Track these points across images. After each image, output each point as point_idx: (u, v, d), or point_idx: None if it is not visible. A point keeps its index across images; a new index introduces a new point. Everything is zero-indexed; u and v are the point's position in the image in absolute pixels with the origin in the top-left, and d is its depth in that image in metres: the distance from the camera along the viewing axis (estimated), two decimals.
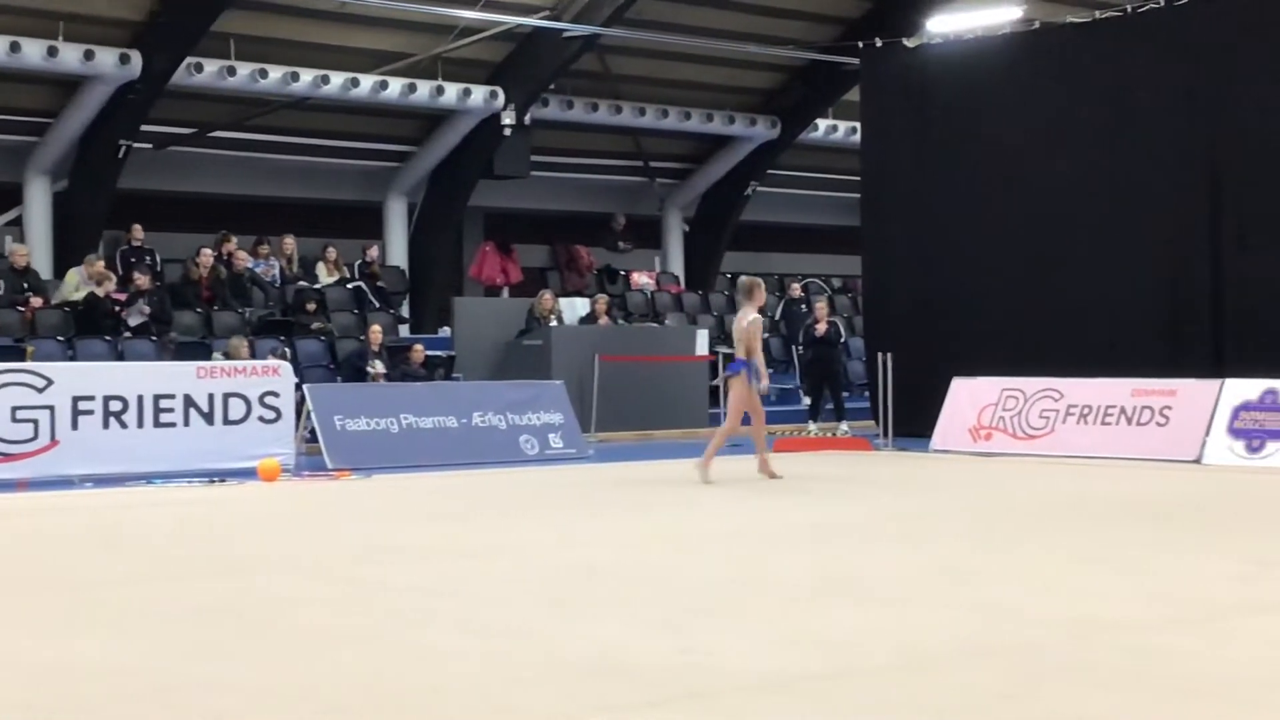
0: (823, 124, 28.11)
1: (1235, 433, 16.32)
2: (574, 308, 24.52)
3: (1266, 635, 6.80)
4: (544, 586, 8.45)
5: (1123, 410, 17.31)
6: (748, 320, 14.83)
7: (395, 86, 23.34)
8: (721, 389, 15.58)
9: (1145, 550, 9.62)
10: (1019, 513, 12.10)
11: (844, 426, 22.01)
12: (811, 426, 22.25)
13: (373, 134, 25.14)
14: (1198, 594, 7.89)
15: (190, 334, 21.02)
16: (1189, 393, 16.91)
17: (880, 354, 19.71)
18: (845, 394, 23.60)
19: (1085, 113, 19.47)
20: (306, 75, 22.60)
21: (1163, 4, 19.07)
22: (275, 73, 22.36)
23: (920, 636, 6.81)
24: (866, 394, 22.79)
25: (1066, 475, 15.36)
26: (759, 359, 14.83)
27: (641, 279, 27.76)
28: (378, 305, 23.79)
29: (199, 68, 21.76)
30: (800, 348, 23.96)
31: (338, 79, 22.87)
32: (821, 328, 22.49)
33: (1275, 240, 17.79)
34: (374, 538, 10.88)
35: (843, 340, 23.36)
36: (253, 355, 18.89)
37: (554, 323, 22.80)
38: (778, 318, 26.72)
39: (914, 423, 19.20)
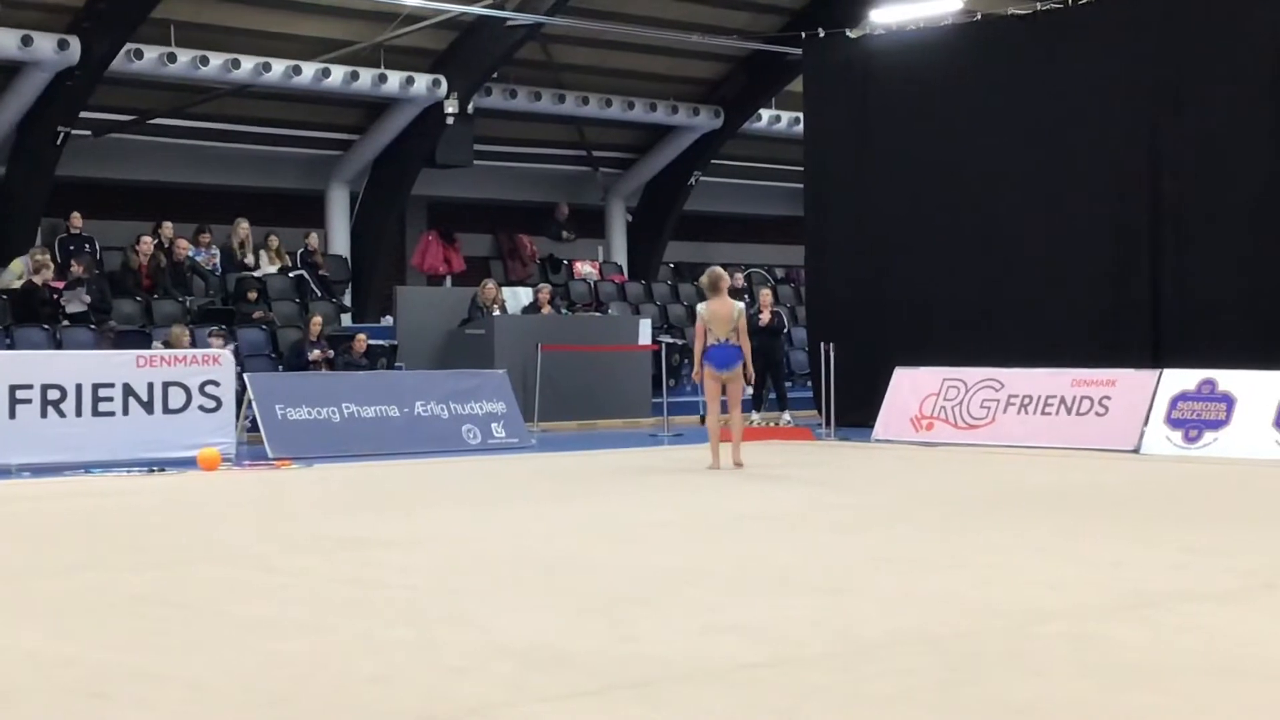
0: (766, 114, 28.16)
1: (1173, 423, 16.46)
2: (517, 297, 24.50)
3: (1199, 623, 6.86)
4: (484, 576, 8.45)
5: (1063, 400, 17.43)
6: (738, 309, 15.08)
7: (337, 74, 23.23)
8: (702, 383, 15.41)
9: (1084, 539, 9.70)
10: (959, 502, 12.16)
11: (786, 416, 22.07)
12: (754, 416, 22.29)
13: (315, 122, 25.03)
14: (1134, 583, 7.95)
15: (130, 323, 20.88)
16: (1128, 383, 17.04)
17: (823, 344, 19.78)
18: (788, 384, 23.64)
19: (1027, 104, 19.58)
20: (248, 62, 22.46)
21: None
22: (216, 60, 22.21)
23: (859, 625, 6.84)
24: (809, 384, 22.86)
25: (1007, 465, 15.46)
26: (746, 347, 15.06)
27: (584, 268, 27.76)
28: (320, 294, 23.67)
29: (139, 54, 21.59)
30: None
31: (279, 66, 22.74)
32: (765, 317, 22.51)
33: (1214, 231, 17.94)
34: (314, 528, 10.84)
35: (785, 330, 23.41)
36: (193, 344, 18.78)
37: (497, 312, 22.76)
38: None
39: (856, 412, 19.29)
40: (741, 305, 15.29)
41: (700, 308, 15.15)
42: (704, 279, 15.52)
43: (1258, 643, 6.40)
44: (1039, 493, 12.97)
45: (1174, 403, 16.55)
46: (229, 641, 6.65)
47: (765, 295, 23.13)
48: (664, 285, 28.39)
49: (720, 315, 14.93)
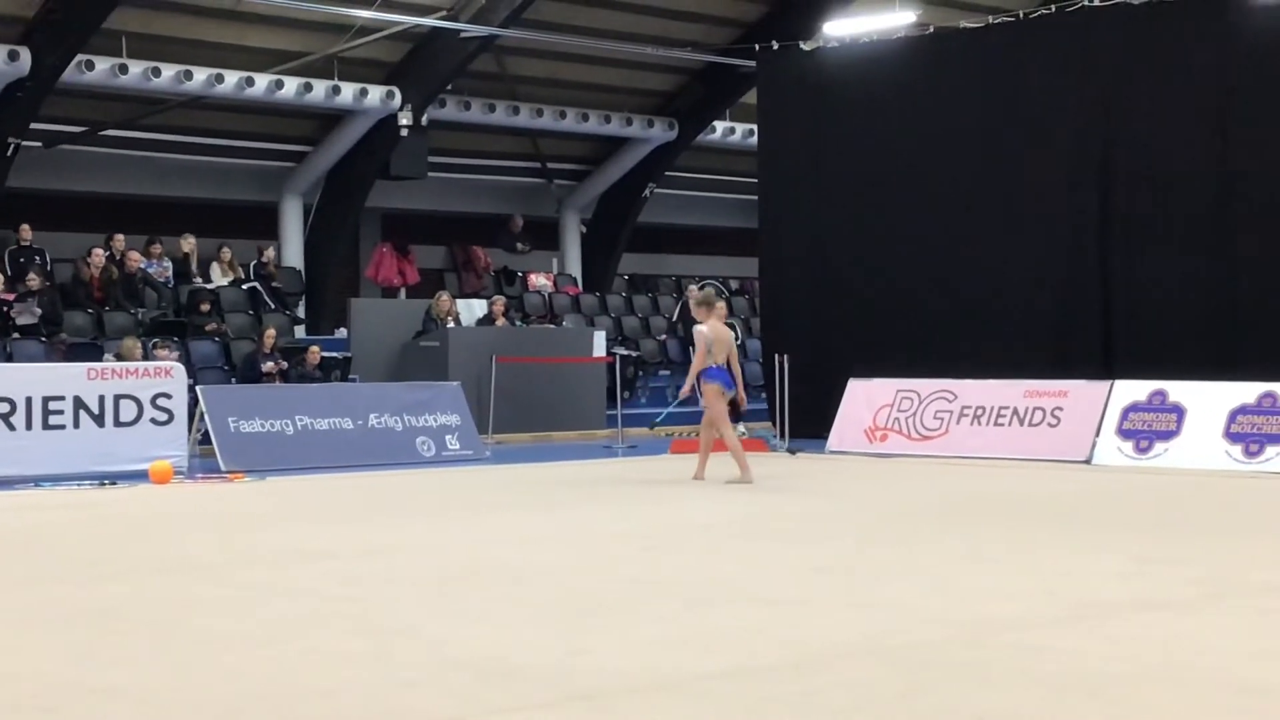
0: (720, 126, 28.20)
1: (1124, 433, 16.56)
2: (471, 309, 24.45)
3: (1150, 632, 6.91)
4: (437, 588, 8.43)
5: (1015, 411, 17.51)
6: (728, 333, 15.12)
7: (291, 86, 23.15)
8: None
9: (1035, 550, 9.74)
10: (912, 513, 12.20)
11: (740, 428, 22.07)
12: (740, 427, 22.30)
13: (268, 134, 24.93)
14: (1084, 592, 8.00)
15: (81, 335, 20.74)
16: (1079, 394, 17.14)
17: (777, 356, 19.83)
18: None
19: (979, 117, 19.68)
20: (200, 74, 22.36)
21: (1054, 10, 19.30)
22: (168, 71, 22.10)
23: (812, 636, 6.85)
24: (764, 395, 22.89)
25: (960, 476, 15.52)
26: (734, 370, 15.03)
27: (539, 280, 27.73)
28: (273, 306, 23.58)
29: (90, 65, 21.46)
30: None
31: (232, 78, 22.65)
32: None
33: (1163, 243, 18.06)
34: (267, 540, 10.80)
35: (739, 342, 23.40)
36: (145, 356, 18.67)
37: (451, 324, 22.72)
38: (675, 318, 26.80)
39: (811, 424, 19.33)
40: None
41: (703, 329, 14.95)
42: (699, 297, 15.45)
43: (1208, 651, 6.45)
44: (991, 503, 13.03)
45: (1125, 413, 16.65)
46: (180, 655, 6.61)
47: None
48: (618, 297, 28.38)
49: (722, 339, 14.93)
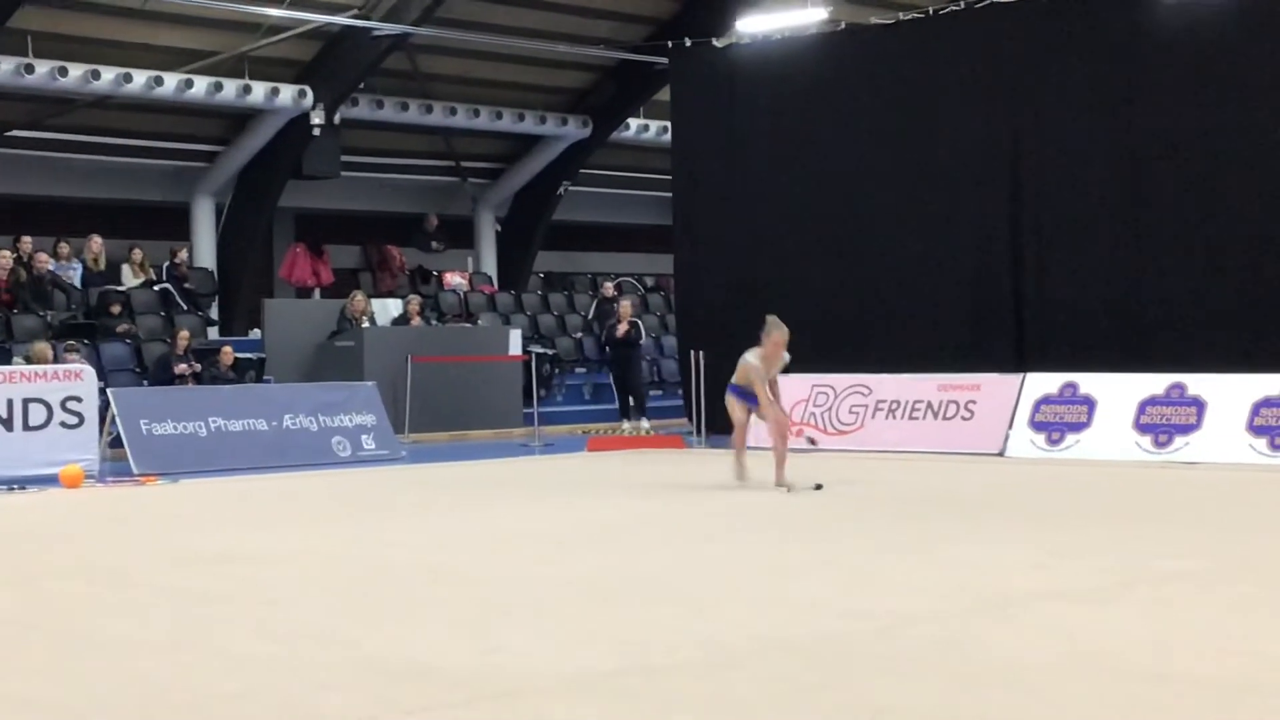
0: (634, 123, 28.21)
1: (1037, 425, 16.71)
2: (386, 309, 24.33)
3: (1060, 622, 6.96)
4: (349, 589, 8.37)
5: (929, 405, 17.64)
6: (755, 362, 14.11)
7: (200, 85, 22.94)
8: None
9: (947, 542, 9.80)
10: (826, 508, 12.24)
11: (645, 424, 22.23)
12: (625, 425, 22.38)
13: (178, 133, 24.71)
14: (995, 584, 8.05)
15: None
16: (992, 387, 17.28)
17: (693, 352, 19.85)
18: (659, 393, 23.76)
19: (891, 112, 19.76)
20: (108, 73, 22.11)
21: (963, 6, 19.43)
22: (75, 70, 21.85)
23: (725, 632, 6.85)
24: (680, 392, 22.92)
25: (875, 469, 15.60)
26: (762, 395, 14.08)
27: (454, 279, 27.63)
28: (185, 307, 23.37)
29: None
30: (605, 347, 24.05)
31: (141, 77, 22.41)
32: (622, 328, 22.63)
33: (1073, 237, 18.18)
34: (178, 544, 10.68)
35: (642, 340, 23.45)
36: (55, 359, 18.45)
37: (366, 324, 22.62)
38: (591, 316, 26.80)
39: (728, 420, 19.28)
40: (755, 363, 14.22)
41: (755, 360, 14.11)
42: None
43: (1116, 640, 6.50)
44: (906, 497, 13.10)
45: (1037, 406, 16.81)
46: (86, 661, 6.53)
47: (624, 306, 23.17)
48: (534, 295, 28.32)
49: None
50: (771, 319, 14.31)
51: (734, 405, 14.30)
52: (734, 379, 14.30)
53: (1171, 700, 5.48)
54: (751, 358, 14.08)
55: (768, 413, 14.05)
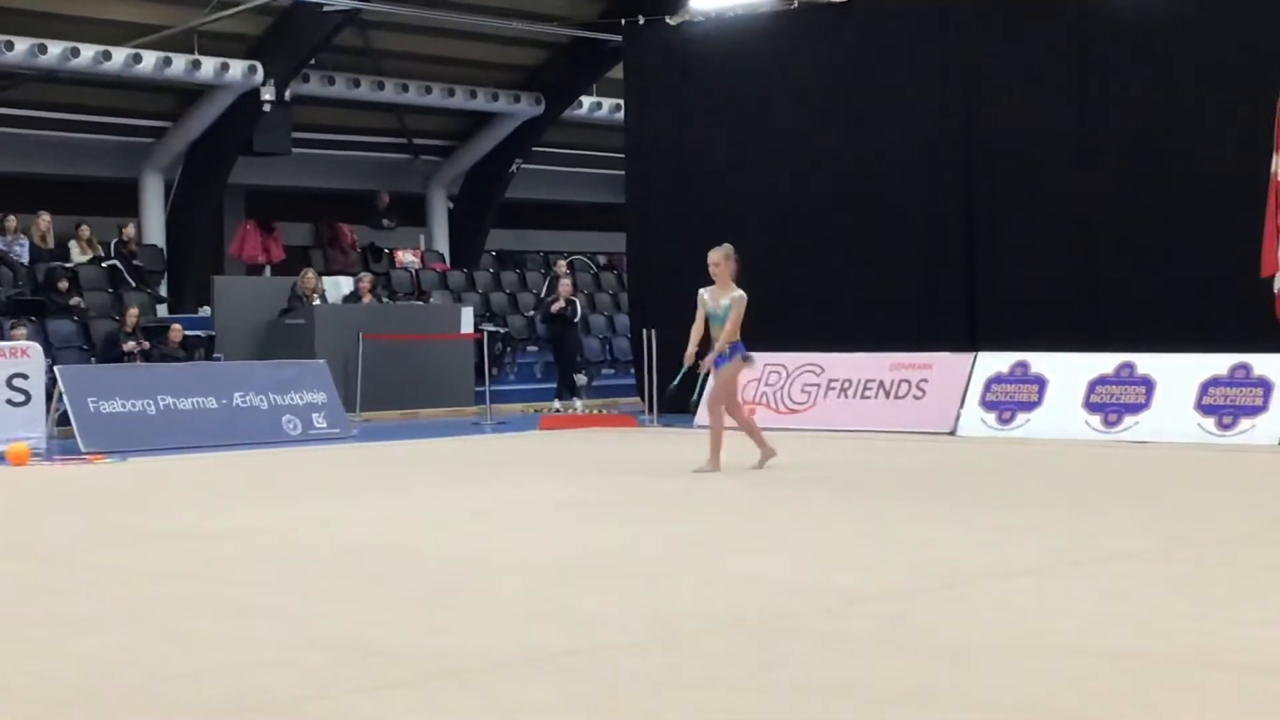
0: (587, 101, 28.17)
1: (988, 405, 16.80)
2: (337, 286, 24.26)
3: (1008, 600, 7.01)
4: (297, 568, 8.37)
5: (881, 384, 17.71)
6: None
7: (149, 60, 22.77)
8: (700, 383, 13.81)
9: (897, 521, 9.85)
10: (775, 486, 12.28)
11: (578, 404, 22.28)
12: (578, 404, 22.40)
13: (127, 109, 24.53)
14: (945, 563, 8.10)
15: None
16: (944, 366, 17.36)
17: (645, 331, 19.86)
18: (611, 371, 23.78)
19: (843, 91, 19.81)
20: (55, 47, 21.91)
21: None
22: (21, 44, 21.64)
23: (673, 610, 6.88)
24: (633, 371, 22.94)
25: (826, 448, 15.65)
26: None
27: (406, 257, 27.57)
28: (134, 284, 23.24)
29: None
30: (541, 324, 24.03)
31: (89, 51, 22.22)
32: (557, 305, 22.62)
33: (1024, 217, 18.29)
34: (126, 523, 10.64)
35: (577, 317, 23.42)
36: (1, 336, 18.33)
37: (317, 301, 22.53)
38: (543, 294, 26.76)
39: (679, 399, 19.34)
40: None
41: (741, 295, 13.34)
42: (727, 251, 13.50)
43: (1063, 617, 6.56)
44: (857, 475, 13.16)
45: (989, 385, 16.90)
46: (31, 640, 6.51)
47: (564, 284, 23.14)
48: (486, 273, 28.26)
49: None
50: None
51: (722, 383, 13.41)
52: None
53: (1118, 677, 5.54)
54: (704, 294, 13.41)
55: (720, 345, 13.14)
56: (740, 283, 13.42)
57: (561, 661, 5.90)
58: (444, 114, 27.62)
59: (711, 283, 13.47)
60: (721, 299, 13.31)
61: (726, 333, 13.18)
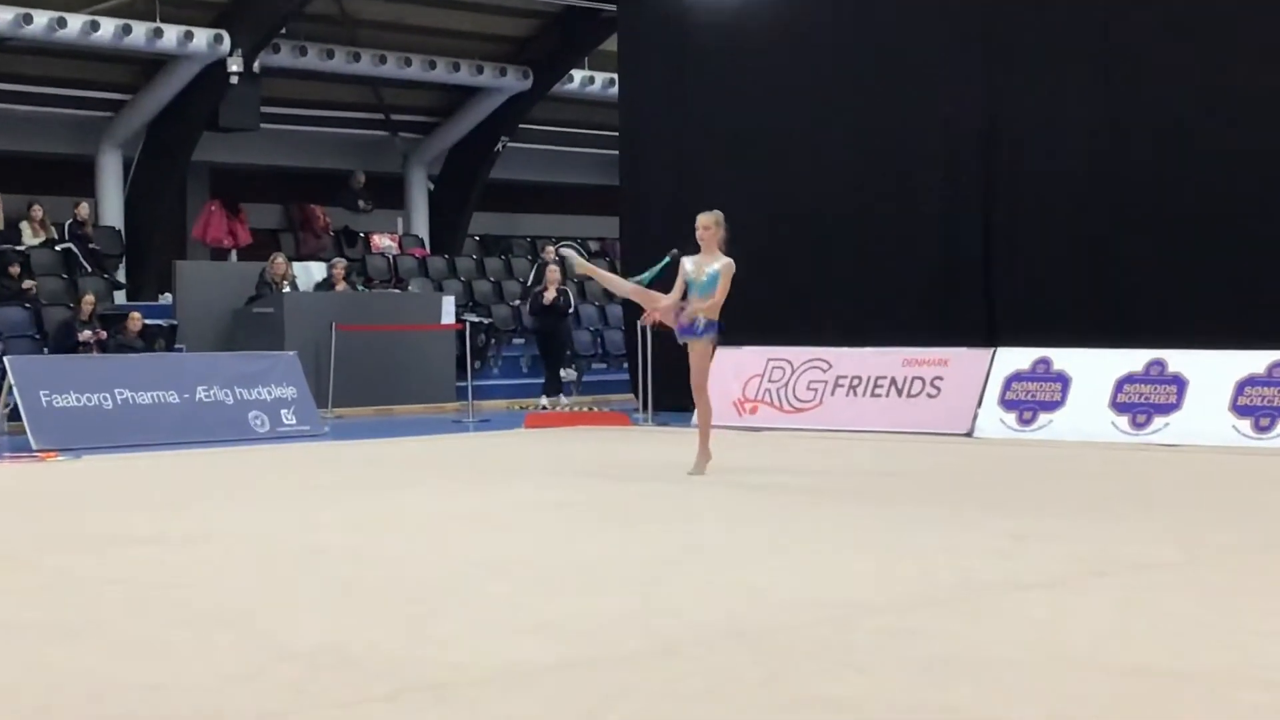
0: (578, 75, 28.19)
1: (1007, 404, 16.84)
2: (309, 272, 24.31)
3: (1025, 613, 7.04)
4: (266, 573, 8.40)
5: (893, 381, 17.73)
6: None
7: (108, 27, 22.78)
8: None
9: (910, 528, 9.89)
10: (781, 490, 12.31)
11: (564, 400, 22.35)
12: (543, 401, 22.45)
13: (83, 80, 24.54)
14: (960, 572, 8.13)
15: None
16: (960, 362, 17.38)
17: (639, 323, 19.85)
18: (603, 365, 23.82)
19: (854, 66, 19.83)
20: (5, 13, 21.93)
21: None
22: None
23: (671, 621, 6.92)
24: (626, 365, 22.97)
25: (833, 450, 15.69)
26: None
27: (383, 241, 27.60)
28: (90, 269, 23.27)
29: None
30: (529, 316, 24.05)
31: (42, 18, 22.23)
32: (549, 295, 22.64)
33: (1048, 200, 18.28)
34: (82, 524, 10.68)
35: (571, 309, 23.49)
36: None
37: (287, 289, 22.57)
38: (530, 283, 26.77)
39: (676, 396, 19.37)
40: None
41: (729, 262, 12.88)
42: (717, 217, 13.05)
43: (1087, 632, 6.59)
44: (865, 479, 13.20)
45: (1008, 383, 16.93)
46: None
47: (553, 272, 23.18)
48: (469, 260, 28.31)
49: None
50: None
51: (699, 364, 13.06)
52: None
53: (1143, 695, 5.57)
54: (686, 262, 12.98)
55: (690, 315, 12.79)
56: (741, 269, 13.22)
57: (550, 675, 5.93)
58: (425, 88, 27.64)
59: (696, 251, 13.16)
60: (707, 267, 12.95)
61: (716, 302, 12.88)
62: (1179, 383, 15.91)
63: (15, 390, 16.67)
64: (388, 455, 16.03)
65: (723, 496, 11.89)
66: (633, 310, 21.24)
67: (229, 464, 15.31)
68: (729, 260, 12.94)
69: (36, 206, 23.51)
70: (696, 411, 13.53)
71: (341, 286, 23.53)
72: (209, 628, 6.89)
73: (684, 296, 13.02)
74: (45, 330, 21.07)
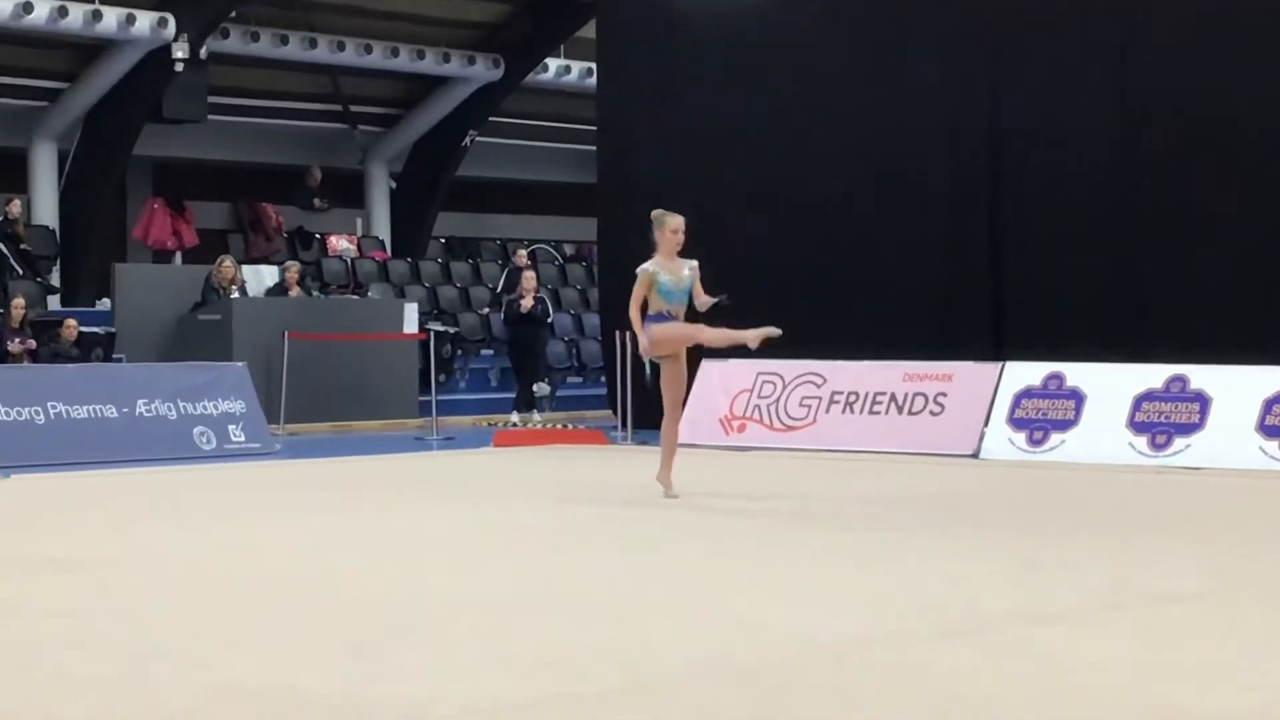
0: (553, 64, 28.22)
1: (1016, 423, 16.84)
2: (260, 276, 24.28)
3: (1035, 647, 7.03)
4: (211, 603, 8.36)
5: (893, 397, 17.74)
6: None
7: (42, 10, 22.76)
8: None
9: (912, 556, 9.88)
10: (772, 515, 12.31)
11: (536, 417, 22.34)
12: (514, 417, 22.44)
13: (14, 67, 24.53)
14: (966, 603, 8.12)
15: None
16: (966, 377, 17.38)
17: (618, 333, 19.87)
18: (579, 379, 23.81)
19: (852, 60, 19.85)
20: None
21: None
22: None
23: (653, 655, 6.90)
24: (603, 379, 22.96)
25: (828, 472, 15.69)
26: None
27: (340, 243, 27.60)
28: (21, 272, 23.23)
29: None
30: (504, 325, 24.01)
31: None
32: (527, 303, 22.63)
33: (1060, 206, 18.31)
34: (13, 548, 10.63)
35: (550, 318, 23.50)
36: None
37: (236, 294, 22.53)
38: (499, 289, 26.78)
39: (657, 412, 19.35)
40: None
41: (695, 262, 13.20)
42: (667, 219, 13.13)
43: (1098, 668, 6.58)
44: (863, 503, 13.18)
45: (1017, 400, 16.93)
46: None
47: (529, 278, 23.19)
48: (433, 264, 28.31)
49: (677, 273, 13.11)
50: (656, 212, 13.22)
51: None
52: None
53: None
54: (647, 265, 12.98)
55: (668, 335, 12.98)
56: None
57: (518, 713, 5.91)
58: (386, 77, 27.65)
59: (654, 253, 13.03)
60: (682, 272, 13.07)
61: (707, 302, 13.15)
62: (1202, 400, 15.93)
63: None
64: (344, 475, 16.00)
65: (708, 521, 11.88)
66: (611, 320, 21.28)
67: (171, 484, 15.27)
68: (695, 260, 13.21)
69: None
70: (666, 428, 13.40)
71: (295, 292, 23.50)
72: (148, 661, 6.85)
73: (645, 309, 13.12)
74: None
